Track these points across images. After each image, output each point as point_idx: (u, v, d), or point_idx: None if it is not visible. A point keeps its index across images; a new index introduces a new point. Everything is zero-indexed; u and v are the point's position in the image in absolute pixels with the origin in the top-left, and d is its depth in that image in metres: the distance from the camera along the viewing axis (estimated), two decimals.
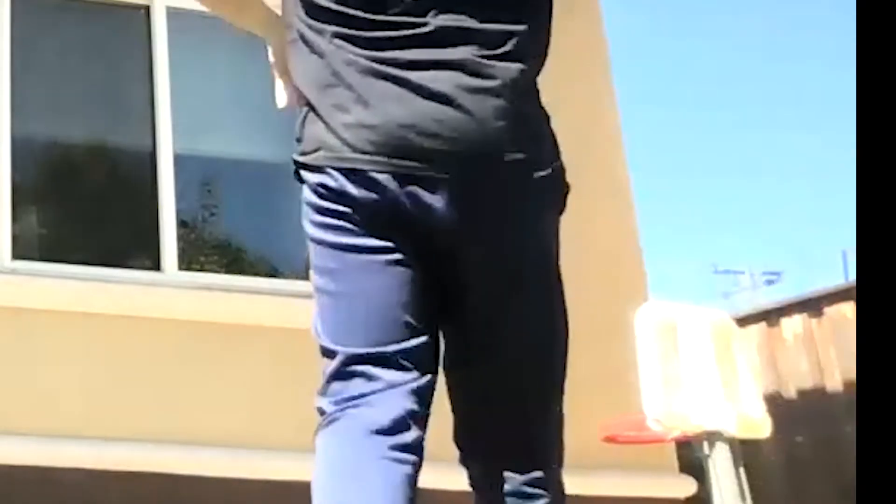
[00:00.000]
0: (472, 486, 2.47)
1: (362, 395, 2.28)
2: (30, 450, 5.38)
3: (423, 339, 2.33)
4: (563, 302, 2.62)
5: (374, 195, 2.29)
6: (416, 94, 2.28)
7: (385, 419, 2.25)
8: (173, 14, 6.14)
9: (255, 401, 5.50)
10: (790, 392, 8.05)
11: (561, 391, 2.52)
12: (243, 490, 5.44)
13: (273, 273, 6.14)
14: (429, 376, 2.34)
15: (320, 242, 2.37)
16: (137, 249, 6.18)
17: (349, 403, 2.28)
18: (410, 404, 2.28)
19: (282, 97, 2.53)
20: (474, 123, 2.29)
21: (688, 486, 6.32)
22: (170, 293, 5.86)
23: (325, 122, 2.33)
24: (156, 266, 5.98)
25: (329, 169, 2.32)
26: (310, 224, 2.38)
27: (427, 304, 2.35)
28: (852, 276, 10.35)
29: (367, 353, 2.30)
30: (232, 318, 5.79)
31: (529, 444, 2.53)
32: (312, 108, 2.36)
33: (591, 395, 5.99)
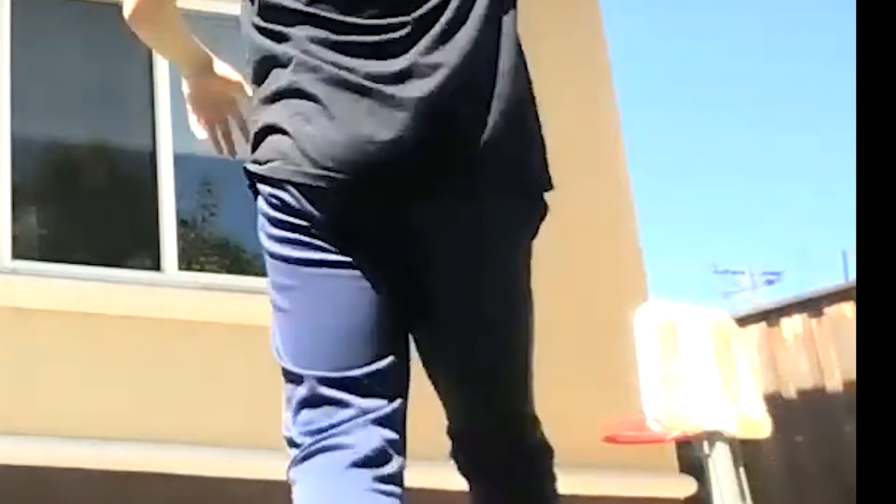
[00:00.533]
0: (462, 474, 2.40)
1: (334, 426, 2.14)
2: (30, 450, 5.38)
3: (392, 359, 2.20)
4: (530, 296, 2.37)
5: (332, 213, 2.17)
6: (389, 105, 2.15)
7: (364, 451, 2.12)
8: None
9: (255, 401, 5.49)
10: (790, 392, 8.05)
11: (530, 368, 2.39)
12: (243, 490, 5.44)
13: None
14: (400, 400, 2.20)
15: (276, 257, 2.23)
16: (137, 249, 6.18)
17: (323, 436, 2.14)
18: (388, 433, 2.16)
19: (199, 130, 2.47)
20: (452, 140, 2.17)
21: (688, 486, 6.32)
22: (170, 293, 5.86)
23: (284, 132, 2.20)
24: (156, 266, 5.98)
25: (286, 184, 2.19)
26: (265, 237, 2.25)
27: (393, 321, 2.22)
28: (852, 276, 10.34)
29: (336, 377, 2.16)
30: (232, 318, 5.79)
31: (511, 405, 2.37)
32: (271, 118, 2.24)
33: (591, 395, 6.01)
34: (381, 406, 2.17)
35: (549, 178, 2.31)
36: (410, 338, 2.30)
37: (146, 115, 6.15)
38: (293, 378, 2.21)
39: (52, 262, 5.83)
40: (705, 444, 4.56)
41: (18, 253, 5.76)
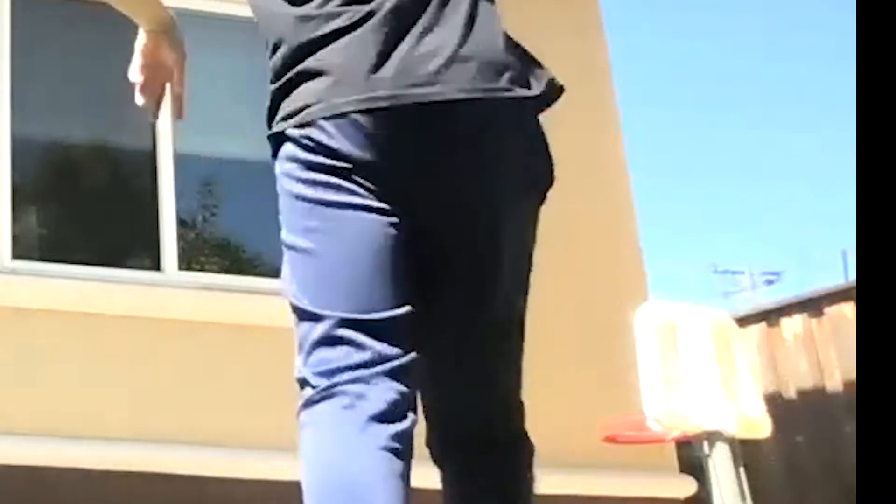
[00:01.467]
0: (435, 459, 2.37)
1: (351, 368, 2.13)
2: (30, 450, 5.38)
3: (411, 308, 2.20)
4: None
5: (367, 148, 2.19)
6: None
7: (380, 406, 2.11)
8: (173, 14, 6.13)
9: (255, 401, 5.49)
10: (790, 392, 8.05)
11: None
12: (243, 490, 5.44)
13: (273, 273, 6.13)
14: (415, 354, 2.20)
15: (303, 199, 2.23)
16: (137, 249, 6.18)
17: (339, 378, 2.13)
18: (403, 387, 2.14)
19: (139, 97, 2.49)
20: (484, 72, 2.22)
21: (688, 486, 6.32)
22: (170, 293, 5.86)
23: (319, 73, 2.22)
24: (156, 266, 5.98)
25: (320, 121, 2.20)
26: (291, 180, 2.24)
27: (414, 272, 2.23)
28: (852, 276, 10.34)
29: (356, 319, 2.16)
30: (232, 318, 5.79)
31: (504, 403, 2.38)
32: (299, 75, 2.25)
33: (591, 395, 6.01)
34: (399, 355, 2.17)
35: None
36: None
37: (146, 116, 6.14)
38: (311, 317, 2.20)
39: (52, 262, 5.83)
40: (705, 444, 4.56)
41: (18, 253, 5.76)
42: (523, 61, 2.30)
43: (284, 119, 2.27)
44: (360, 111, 2.19)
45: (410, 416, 2.15)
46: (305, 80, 2.25)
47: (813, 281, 32.39)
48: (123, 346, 5.67)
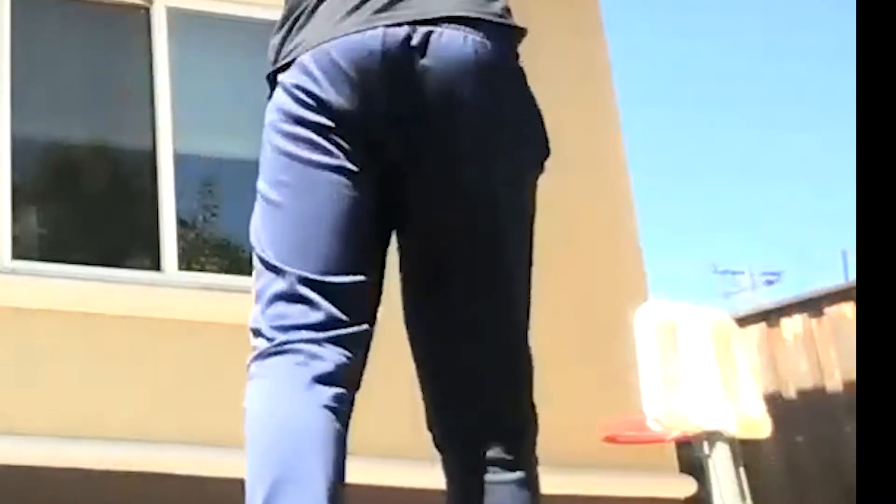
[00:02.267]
0: (446, 471, 2.32)
1: (307, 327, 2.17)
2: (30, 450, 5.38)
3: (368, 279, 2.21)
4: (530, 262, 2.33)
5: (353, 97, 2.18)
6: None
7: (330, 366, 2.15)
8: (173, 14, 6.15)
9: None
10: (790, 392, 8.05)
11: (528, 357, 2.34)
12: (243, 490, 5.43)
13: None
14: (367, 324, 2.22)
15: (282, 152, 2.24)
16: (137, 249, 6.18)
17: (293, 335, 2.17)
18: (351, 353, 2.17)
19: None
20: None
21: (688, 486, 6.32)
22: (170, 293, 5.86)
23: (311, 23, 2.24)
24: (156, 266, 5.98)
25: (309, 67, 2.20)
26: (274, 131, 2.25)
27: (381, 242, 2.26)
28: (852, 276, 10.34)
29: (318, 280, 2.18)
30: (232, 318, 5.77)
31: (508, 398, 2.30)
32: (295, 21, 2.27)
33: (591, 395, 6.01)
34: (351, 322, 2.19)
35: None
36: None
37: (146, 115, 6.15)
38: (274, 270, 2.23)
39: (52, 262, 5.83)
40: (705, 444, 4.56)
41: (18, 253, 5.76)
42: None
43: (276, 61, 2.29)
44: (335, 47, 2.19)
45: (352, 388, 2.18)
46: (298, 22, 2.28)
47: (813, 281, 32.40)
48: (123, 346, 5.67)
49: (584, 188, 6.45)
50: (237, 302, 6.07)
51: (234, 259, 6.38)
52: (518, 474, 2.25)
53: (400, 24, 2.17)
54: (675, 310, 4.76)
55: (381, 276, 2.28)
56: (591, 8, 7.05)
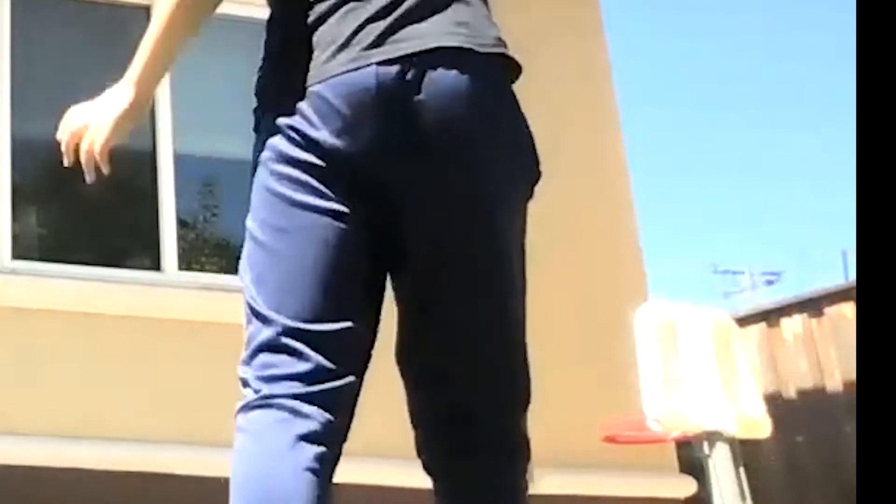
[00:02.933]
0: (427, 471, 2.30)
1: (290, 378, 2.13)
2: (30, 450, 5.38)
3: (357, 326, 2.18)
4: (523, 280, 2.31)
5: (347, 137, 2.14)
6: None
7: (313, 424, 2.11)
8: None
9: None
10: (790, 392, 8.05)
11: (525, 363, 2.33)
12: None
13: None
14: (356, 376, 2.18)
15: (274, 193, 2.20)
16: (137, 249, 6.18)
17: (278, 389, 2.14)
18: (336, 410, 2.14)
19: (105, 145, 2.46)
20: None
21: (688, 486, 6.32)
22: (170, 293, 5.86)
23: (300, 61, 2.20)
24: (156, 266, 5.98)
25: (304, 106, 2.16)
26: (266, 171, 2.22)
27: (375, 288, 2.21)
28: (852, 276, 10.35)
29: (304, 329, 2.14)
30: (232, 318, 5.75)
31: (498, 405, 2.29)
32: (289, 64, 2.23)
33: (591, 395, 6.01)
34: (338, 373, 2.15)
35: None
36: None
37: (146, 116, 6.15)
38: (259, 318, 2.23)
39: (52, 262, 5.83)
40: (705, 444, 4.56)
41: (18, 253, 5.76)
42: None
43: (263, 99, 2.28)
44: (328, 86, 2.16)
45: (337, 445, 2.14)
46: (285, 60, 2.26)
47: (813, 281, 32.41)
48: (123, 346, 5.67)
49: (585, 188, 6.45)
50: (237, 302, 6.05)
51: (234, 259, 6.37)
52: (508, 483, 2.28)
53: (393, 61, 2.14)
54: (675, 310, 4.77)
55: (377, 319, 2.24)
56: (592, 8, 7.04)
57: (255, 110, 2.30)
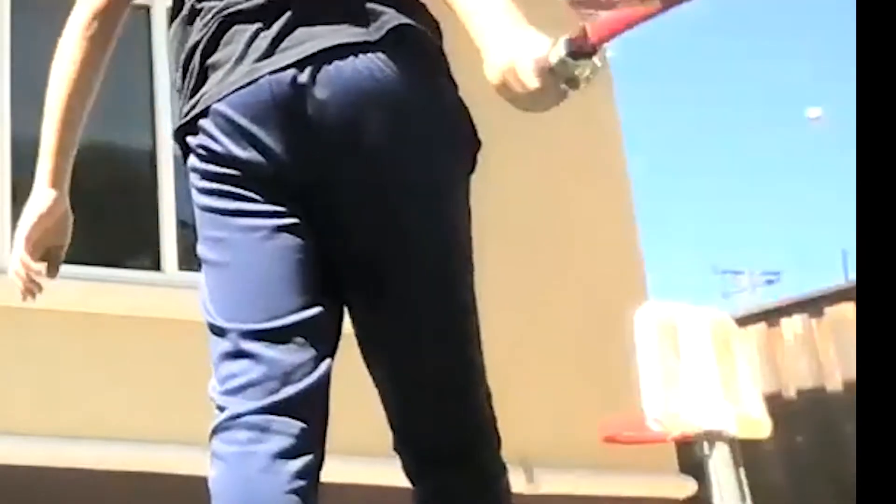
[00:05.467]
0: (407, 475, 2.27)
1: (253, 385, 2.09)
2: (30, 450, 5.38)
3: (315, 313, 2.12)
4: (464, 269, 2.21)
5: (247, 146, 2.14)
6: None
7: (286, 438, 2.06)
8: None
9: None
10: (790, 392, 8.05)
11: (477, 368, 2.20)
12: None
13: None
14: (326, 362, 2.11)
15: (206, 209, 2.23)
16: (137, 249, 6.18)
17: (241, 405, 2.09)
18: (308, 412, 2.08)
19: (28, 256, 2.46)
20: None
21: (688, 486, 6.32)
22: (170, 293, 5.86)
23: (203, 80, 2.21)
24: (156, 266, 5.98)
25: (204, 125, 2.17)
26: (196, 192, 2.24)
27: (322, 273, 2.16)
28: (852, 276, 10.35)
29: (257, 329, 2.12)
30: None
31: (452, 421, 2.19)
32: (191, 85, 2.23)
33: (591, 395, 6.01)
34: (303, 366, 2.10)
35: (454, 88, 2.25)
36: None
37: (146, 115, 6.15)
38: (217, 331, 2.20)
39: None
40: (705, 444, 4.57)
41: None
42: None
43: (178, 123, 2.26)
44: (226, 103, 2.16)
45: (316, 450, 2.08)
46: (190, 81, 2.26)
47: (813, 281, 32.42)
48: (123, 346, 5.67)
49: (584, 188, 6.44)
50: None
51: None
52: (471, 480, 2.20)
53: (284, 69, 2.12)
54: (675, 310, 4.77)
55: (340, 297, 2.19)
56: None
57: (174, 135, 2.30)
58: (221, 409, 2.14)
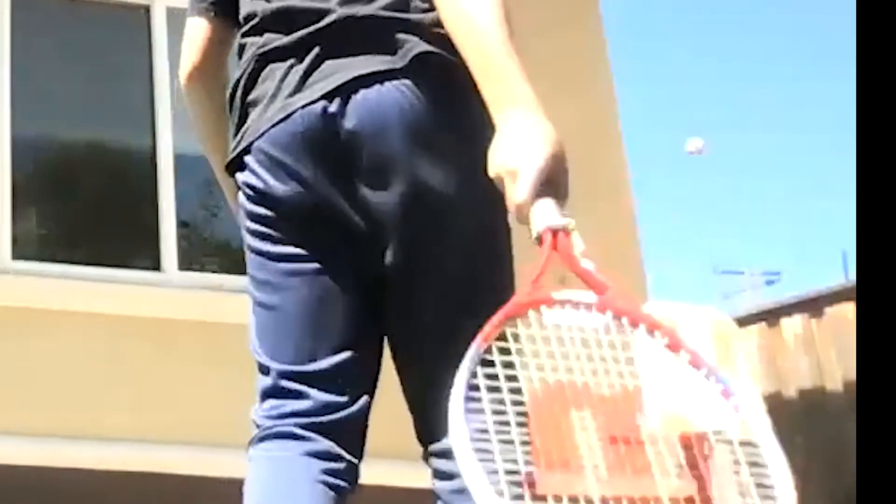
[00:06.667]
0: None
1: (295, 413, 2.24)
2: (30, 450, 5.38)
3: (355, 353, 2.24)
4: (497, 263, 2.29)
5: (293, 183, 2.22)
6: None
7: (322, 444, 2.21)
8: (173, 14, 6.14)
9: (254, 401, 5.49)
10: (790, 392, 8.05)
11: None
12: (242, 490, 5.44)
13: None
14: (364, 399, 2.25)
15: (252, 250, 2.33)
16: (137, 249, 6.18)
17: (284, 421, 2.25)
18: (343, 435, 2.22)
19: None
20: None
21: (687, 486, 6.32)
22: (169, 293, 5.86)
23: (245, 118, 2.30)
24: (156, 266, 5.98)
25: (250, 161, 2.25)
26: (244, 230, 2.34)
27: (361, 316, 2.26)
28: (852, 276, 10.35)
29: (296, 371, 2.25)
30: (232, 318, 5.78)
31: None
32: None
33: None
34: (342, 403, 2.22)
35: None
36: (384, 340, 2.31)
37: (146, 115, 6.15)
38: (261, 368, 2.32)
39: (52, 262, 5.83)
40: (705, 444, 4.56)
41: (18, 253, 5.76)
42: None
43: (228, 160, 2.36)
44: (264, 139, 2.25)
45: (349, 457, 2.22)
46: (234, 118, 2.36)
47: (813, 281, 32.43)
48: (124, 347, 5.67)
49: (584, 188, 6.43)
50: (237, 302, 6.07)
51: (235, 259, 6.38)
52: (454, 483, 2.20)
53: (314, 101, 2.21)
54: (675, 310, 4.76)
55: (380, 337, 2.28)
56: (592, 8, 7.05)
57: (226, 167, 2.38)
58: (261, 426, 2.30)
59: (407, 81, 2.19)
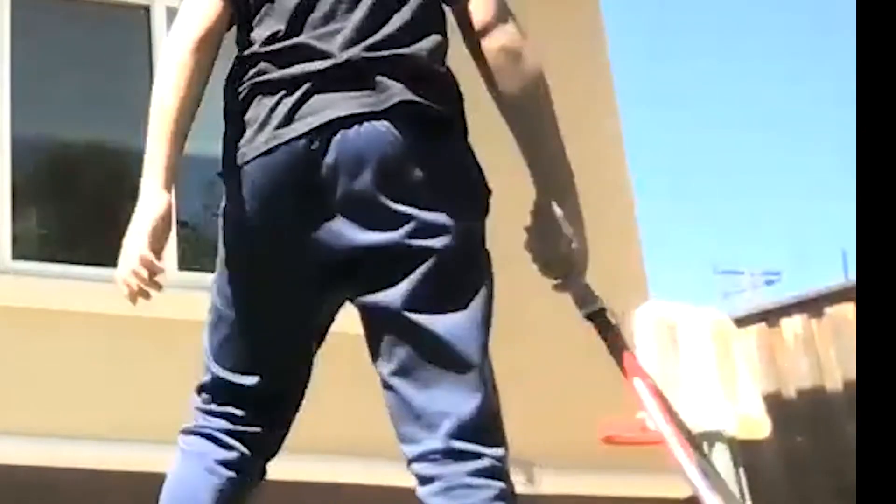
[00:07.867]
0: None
1: (222, 416, 2.55)
2: (30, 450, 5.38)
3: (291, 376, 2.50)
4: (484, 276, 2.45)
5: (271, 209, 2.37)
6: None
7: (233, 454, 2.51)
8: (173, 14, 6.10)
9: None
10: (790, 392, 8.05)
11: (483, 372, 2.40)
12: None
13: None
14: (276, 426, 2.52)
15: (227, 259, 2.54)
16: None
17: (210, 421, 2.56)
18: (257, 448, 2.51)
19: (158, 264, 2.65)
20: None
21: (688, 487, 6.31)
22: (170, 293, 5.85)
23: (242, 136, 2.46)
24: None
25: (243, 177, 2.42)
26: (225, 232, 2.54)
27: (308, 340, 2.48)
28: (852, 276, 10.35)
29: (230, 380, 2.53)
30: None
31: (468, 420, 2.36)
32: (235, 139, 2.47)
33: (591, 395, 6.00)
34: (262, 420, 2.50)
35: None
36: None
37: (146, 116, 6.14)
38: (206, 366, 2.66)
39: (52, 262, 5.83)
40: (705, 444, 4.57)
41: (18, 253, 5.76)
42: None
43: (223, 166, 2.57)
44: (253, 165, 2.43)
45: (251, 475, 2.55)
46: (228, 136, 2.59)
47: (813, 281, 32.41)
48: (123, 346, 5.67)
49: (584, 188, 6.42)
50: None
51: None
52: (434, 486, 2.33)
53: (299, 137, 2.35)
54: (675, 310, 4.77)
55: (308, 371, 2.54)
56: (591, 8, 7.04)
57: (218, 174, 2.56)
58: (195, 418, 2.62)
59: (385, 122, 2.33)
